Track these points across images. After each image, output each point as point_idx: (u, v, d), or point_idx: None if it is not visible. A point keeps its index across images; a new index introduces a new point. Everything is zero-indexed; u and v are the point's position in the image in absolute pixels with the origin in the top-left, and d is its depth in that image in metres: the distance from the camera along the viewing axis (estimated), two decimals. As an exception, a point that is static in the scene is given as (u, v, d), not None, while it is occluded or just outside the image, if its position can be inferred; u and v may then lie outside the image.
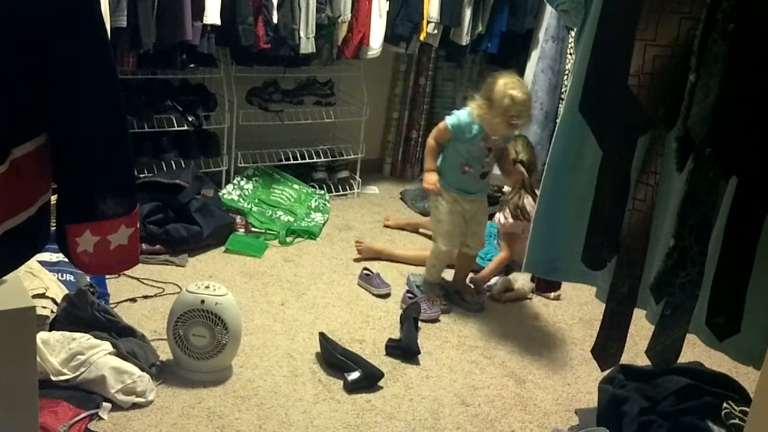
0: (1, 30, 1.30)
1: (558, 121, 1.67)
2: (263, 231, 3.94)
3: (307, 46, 3.97)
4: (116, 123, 1.45)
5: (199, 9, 3.63)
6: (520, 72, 4.81)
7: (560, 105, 4.58)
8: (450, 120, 3.29)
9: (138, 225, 1.50)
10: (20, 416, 1.62)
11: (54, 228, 1.49)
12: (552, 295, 3.56)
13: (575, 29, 1.64)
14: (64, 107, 1.41)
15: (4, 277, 1.55)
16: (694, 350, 3.01)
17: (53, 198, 1.50)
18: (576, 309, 3.54)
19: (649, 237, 1.34)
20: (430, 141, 3.36)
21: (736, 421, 2.23)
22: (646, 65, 1.21)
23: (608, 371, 2.47)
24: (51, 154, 1.45)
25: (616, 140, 1.30)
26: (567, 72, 4.53)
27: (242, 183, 4.23)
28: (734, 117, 1.16)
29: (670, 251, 1.21)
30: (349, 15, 4.09)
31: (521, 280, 3.60)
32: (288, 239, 3.92)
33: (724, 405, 2.26)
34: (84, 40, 1.38)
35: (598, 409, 2.54)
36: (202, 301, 2.64)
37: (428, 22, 4.39)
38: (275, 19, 3.84)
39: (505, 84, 3.16)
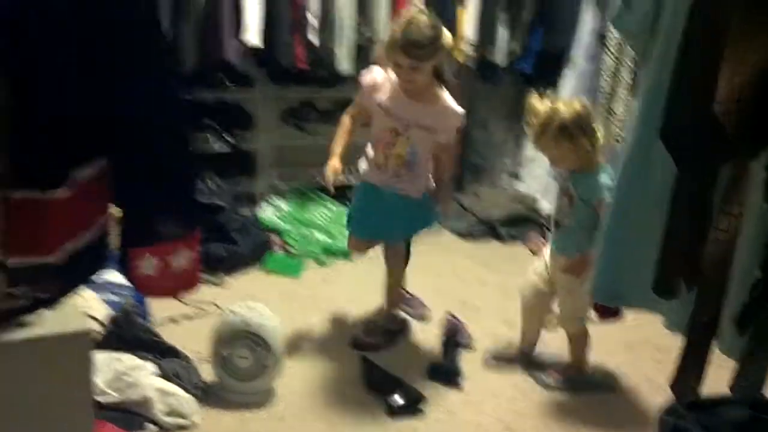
0: (67, 39, 1.28)
1: (625, 144, 1.63)
2: (300, 251, 3.92)
3: (345, 66, 3.96)
4: (180, 143, 1.44)
5: (238, 29, 3.63)
6: (554, 91, 4.79)
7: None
8: None
9: (199, 247, 1.47)
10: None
11: (116, 250, 1.47)
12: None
13: (639, 52, 1.62)
14: (126, 126, 1.40)
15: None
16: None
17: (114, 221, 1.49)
18: (621, 332, 3.39)
19: (731, 268, 1.31)
20: None
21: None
22: (735, 92, 1.19)
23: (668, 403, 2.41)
24: (111, 176, 1.44)
25: (700, 168, 1.27)
26: (602, 90, 4.48)
27: (278, 203, 4.23)
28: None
29: (756, 283, 1.18)
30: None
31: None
32: (325, 259, 3.89)
33: (786, 437, 2.19)
34: (147, 53, 1.37)
35: (661, 442, 2.47)
36: (246, 323, 2.62)
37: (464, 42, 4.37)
38: (315, 40, 3.83)
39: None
